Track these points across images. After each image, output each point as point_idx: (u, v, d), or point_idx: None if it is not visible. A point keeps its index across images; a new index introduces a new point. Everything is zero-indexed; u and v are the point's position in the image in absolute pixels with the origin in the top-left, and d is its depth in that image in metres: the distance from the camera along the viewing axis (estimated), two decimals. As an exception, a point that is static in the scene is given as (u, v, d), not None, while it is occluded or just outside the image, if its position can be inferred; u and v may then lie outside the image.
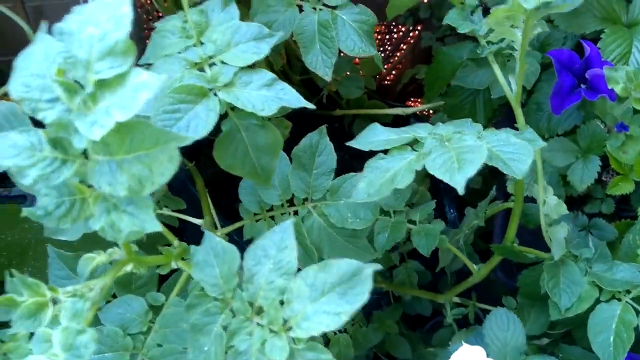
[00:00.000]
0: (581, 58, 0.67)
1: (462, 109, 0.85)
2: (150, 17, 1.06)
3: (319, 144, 0.59)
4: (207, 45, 0.48)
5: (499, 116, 0.85)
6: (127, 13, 0.30)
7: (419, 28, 1.43)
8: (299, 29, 0.62)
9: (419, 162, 0.46)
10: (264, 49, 0.46)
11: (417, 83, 1.24)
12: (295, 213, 0.61)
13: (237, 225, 0.64)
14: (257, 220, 0.63)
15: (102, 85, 0.31)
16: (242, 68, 0.46)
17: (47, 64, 0.32)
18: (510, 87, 0.61)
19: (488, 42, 0.62)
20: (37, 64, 0.32)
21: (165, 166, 0.32)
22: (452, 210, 0.95)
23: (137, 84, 0.29)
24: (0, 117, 0.47)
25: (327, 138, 0.60)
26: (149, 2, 1.04)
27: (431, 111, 1.12)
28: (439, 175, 0.44)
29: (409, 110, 0.96)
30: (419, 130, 0.51)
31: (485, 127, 0.88)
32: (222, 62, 0.46)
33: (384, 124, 0.53)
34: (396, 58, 1.51)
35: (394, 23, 1.46)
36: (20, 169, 0.34)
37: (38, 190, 0.36)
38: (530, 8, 0.47)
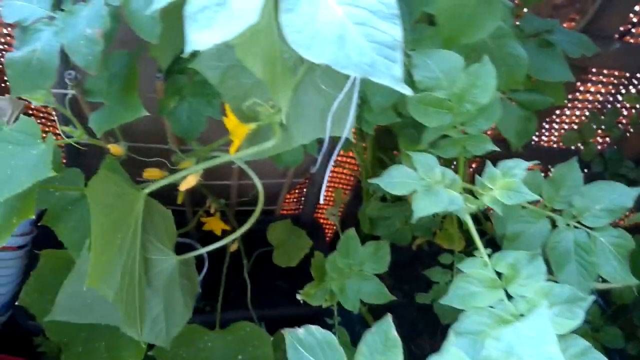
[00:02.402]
0: None
1: None
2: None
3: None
4: (517, 301, 0.48)
5: None
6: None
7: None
8: (551, 244, 0.62)
9: None
10: (578, 315, 0.46)
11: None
12: None
13: None
14: None
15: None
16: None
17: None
18: None
19: None
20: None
21: None
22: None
23: None
24: (315, 345, 0.49)
25: None
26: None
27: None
28: None
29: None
30: None
31: None
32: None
33: None
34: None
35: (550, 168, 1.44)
36: None
37: None
38: None
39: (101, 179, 0.69)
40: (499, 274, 0.51)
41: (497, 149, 0.55)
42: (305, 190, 1.51)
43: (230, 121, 0.70)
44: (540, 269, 0.49)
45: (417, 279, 1.23)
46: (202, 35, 0.34)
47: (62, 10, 0.57)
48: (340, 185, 1.48)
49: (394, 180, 0.52)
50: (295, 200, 1.56)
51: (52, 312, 0.82)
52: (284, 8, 0.33)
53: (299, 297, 0.81)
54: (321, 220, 1.58)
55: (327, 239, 1.57)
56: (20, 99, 0.91)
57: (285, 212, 1.59)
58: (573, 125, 1.34)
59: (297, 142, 0.74)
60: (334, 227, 1.77)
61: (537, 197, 0.51)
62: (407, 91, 0.32)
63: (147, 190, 0.76)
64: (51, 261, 0.91)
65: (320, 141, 0.76)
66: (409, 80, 0.54)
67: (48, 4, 0.56)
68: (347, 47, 0.32)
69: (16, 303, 0.93)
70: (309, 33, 0.32)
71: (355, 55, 0.32)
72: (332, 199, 1.55)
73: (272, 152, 0.75)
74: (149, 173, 0.90)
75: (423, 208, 0.49)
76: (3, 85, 1.16)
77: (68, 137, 0.83)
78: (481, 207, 0.53)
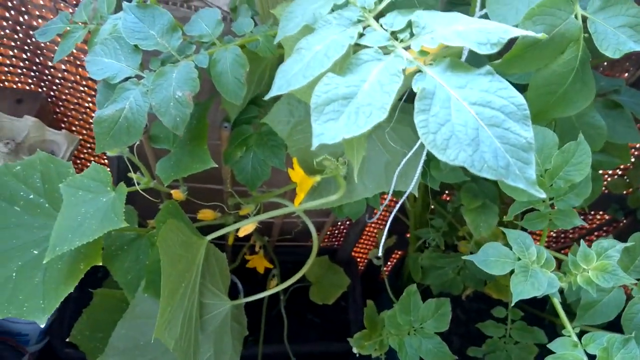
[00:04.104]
0: None
1: None
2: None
3: None
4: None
5: None
6: None
7: (624, 220, 1.38)
8: (627, 316, 0.61)
9: None
10: (673, 405, 0.45)
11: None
12: None
13: None
14: None
15: None
16: None
17: None
18: None
19: None
20: None
21: None
22: None
23: None
24: None
25: None
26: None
27: None
28: None
29: None
30: None
31: None
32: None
33: None
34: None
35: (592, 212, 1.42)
36: None
37: None
38: None
39: (169, 228, 0.69)
40: (588, 355, 0.50)
41: (585, 223, 0.55)
42: (339, 223, 1.50)
43: (298, 174, 0.71)
44: (634, 353, 0.48)
45: (453, 321, 1.21)
46: (329, 129, 0.34)
47: (150, 70, 0.57)
48: (380, 225, 1.48)
49: (490, 258, 0.51)
50: (329, 233, 1.56)
51: (105, 354, 0.82)
52: (418, 109, 0.33)
53: (354, 350, 0.80)
54: (352, 254, 1.57)
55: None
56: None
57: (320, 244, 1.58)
58: (618, 170, 1.33)
59: (360, 195, 0.74)
60: (365, 260, 1.76)
61: (633, 281, 0.50)
62: (541, 195, 0.32)
63: (209, 238, 0.77)
64: (104, 300, 0.91)
65: (383, 194, 0.76)
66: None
67: (136, 63, 0.57)
68: (482, 149, 0.32)
69: (67, 339, 0.94)
70: (444, 135, 0.32)
71: (491, 158, 0.32)
72: (372, 236, 1.55)
73: (335, 204, 0.75)
74: (203, 214, 0.91)
75: (522, 292, 0.48)
76: (55, 116, 1.18)
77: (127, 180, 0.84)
78: (574, 287, 0.52)
